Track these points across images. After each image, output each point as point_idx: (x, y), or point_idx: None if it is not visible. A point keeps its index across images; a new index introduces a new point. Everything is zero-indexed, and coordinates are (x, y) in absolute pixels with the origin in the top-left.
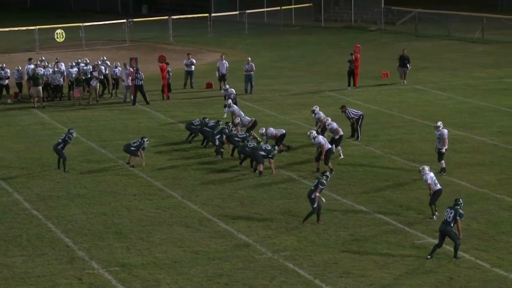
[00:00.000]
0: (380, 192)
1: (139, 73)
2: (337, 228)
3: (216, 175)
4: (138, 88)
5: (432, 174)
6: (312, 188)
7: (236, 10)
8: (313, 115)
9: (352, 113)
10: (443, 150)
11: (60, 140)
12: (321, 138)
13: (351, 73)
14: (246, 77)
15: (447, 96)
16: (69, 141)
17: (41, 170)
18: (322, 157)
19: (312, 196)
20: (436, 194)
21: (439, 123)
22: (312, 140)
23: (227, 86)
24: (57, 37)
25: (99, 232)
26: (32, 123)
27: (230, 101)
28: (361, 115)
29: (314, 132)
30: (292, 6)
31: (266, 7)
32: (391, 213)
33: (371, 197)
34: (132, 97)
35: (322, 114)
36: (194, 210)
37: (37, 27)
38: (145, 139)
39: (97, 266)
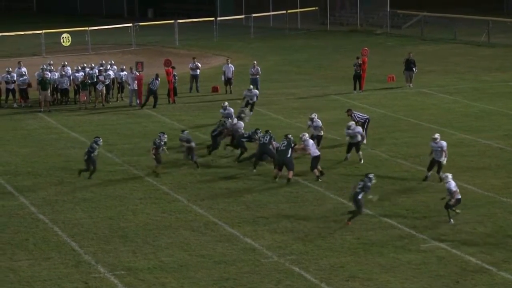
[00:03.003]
0: (386, 195)
1: (158, 79)
2: (343, 232)
3: (221, 179)
4: (153, 93)
5: (454, 182)
6: (358, 190)
7: (241, 14)
8: (311, 122)
9: (358, 117)
10: (444, 162)
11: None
12: (310, 143)
13: (357, 77)
14: (252, 81)
15: (453, 100)
16: (91, 150)
17: (47, 174)
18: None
19: (359, 198)
20: (457, 201)
21: (437, 135)
22: (303, 141)
23: (252, 87)
24: (63, 41)
25: (105, 236)
26: (38, 127)
27: (226, 103)
28: (367, 118)
29: (307, 135)
30: (298, 10)
31: (272, 11)
32: (397, 216)
33: (377, 201)
34: (138, 100)
35: (319, 123)
36: (200, 214)
37: (43, 31)
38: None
39: (103, 270)
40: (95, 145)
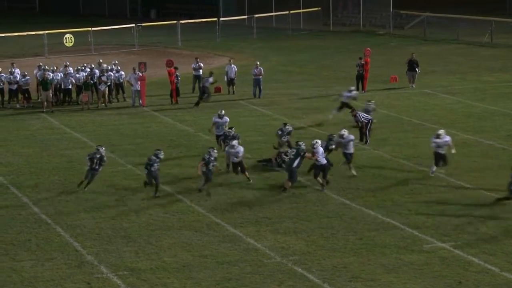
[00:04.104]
0: (389, 196)
1: (212, 76)
2: (345, 232)
3: (224, 179)
4: (204, 89)
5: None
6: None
7: (244, 15)
8: (341, 139)
9: (362, 117)
10: (453, 151)
11: (91, 162)
12: (320, 151)
13: (360, 77)
14: (254, 81)
15: (456, 100)
16: (150, 163)
17: (50, 174)
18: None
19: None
20: None
21: (441, 131)
22: (314, 148)
23: (353, 88)
24: (66, 42)
25: (107, 237)
26: (41, 127)
27: (223, 111)
28: (371, 119)
29: (319, 142)
30: (301, 10)
31: (275, 11)
32: (400, 217)
33: (380, 201)
34: (140, 101)
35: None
36: (202, 215)
37: (46, 31)
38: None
39: (105, 271)
40: (154, 158)
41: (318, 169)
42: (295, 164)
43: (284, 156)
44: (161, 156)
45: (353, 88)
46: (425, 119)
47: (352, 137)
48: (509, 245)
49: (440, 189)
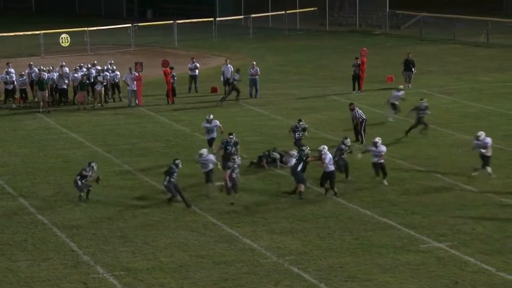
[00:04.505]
0: (385, 196)
1: (239, 73)
2: (342, 232)
3: (221, 180)
4: (233, 85)
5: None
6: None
7: (240, 15)
8: (374, 147)
9: (359, 114)
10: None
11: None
12: (328, 157)
13: (356, 77)
14: (251, 81)
15: (452, 100)
16: (85, 172)
17: (46, 174)
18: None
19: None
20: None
21: (480, 133)
22: (322, 154)
23: (401, 87)
24: (62, 42)
25: (104, 237)
26: (37, 127)
27: (211, 115)
28: (365, 119)
29: (327, 148)
30: (297, 10)
31: (271, 12)
32: (396, 217)
33: (376, 201)
34: (137, 101)
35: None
36: (199, 215)
37: (42, 31)
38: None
39: (102, 271)
40: (174, 167)
41: (326, 177)
42: (299, 168)
43: (274, 153)
44: (180, 165)
45: (401, 87)
46: None
47: (384, 148)
48: (506, 245)
49: (436, 189)
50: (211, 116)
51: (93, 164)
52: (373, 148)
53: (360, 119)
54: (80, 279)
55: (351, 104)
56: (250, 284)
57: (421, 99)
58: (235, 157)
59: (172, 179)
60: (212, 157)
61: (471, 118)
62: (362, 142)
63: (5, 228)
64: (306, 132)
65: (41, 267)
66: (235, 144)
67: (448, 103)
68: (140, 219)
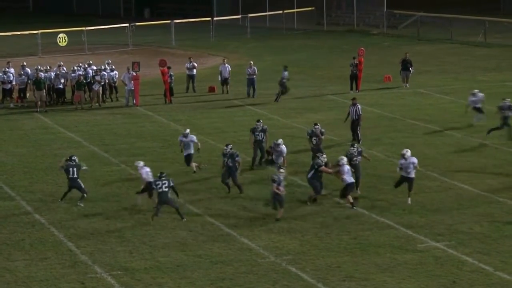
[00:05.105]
0: (382, 195)
1: (286, 71)
2: (339, 232)
3: (218, 179)
4: (282, 84)
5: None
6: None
7: (238, 14)
8: (404, 160)
9: (358, 109)
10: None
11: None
12: (346, 168)
13: (354, 77)
14: (248, 81)
15: (450, 100)
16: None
17: (44, 174)
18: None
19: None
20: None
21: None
22: (340, 165)
23: (476, 90)
24: (60, 41)
25: (101, 236)
26: (35, 127)
27: (188, 130)
28: (359, 115)
29: (345, 159)
30: (294, 10)
31: (269, 11)
32: (394, 216)
33: (374, 201)
34: (134, 100)
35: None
36: (196, 214)
37: (40, 31)
38: None
39: (99, 270)
40: (158, 180)
41: (349, 189)
42: (309, 175)
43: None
44: (164, 175)
45: (476, 90)
46: (419, 118)
47: (415, 159)
48: (503, 245)
49: (434, 188)
50: (187, 131)
51: (72, 157)
52: (402, 161)
53: (356, 117)
54: (77, 278)
55: (353, 99)
56: (248, 284)
57: (504, 99)
58: (281, 170)
59: (161, 190)
60: (194, 137)
61: (469, 117)
62: (359, 141)
63: (3, 228)
64: (323, 136)
65: (39, 266)
66: (263, 131)
67: (445, 103)
68: (137, 219)
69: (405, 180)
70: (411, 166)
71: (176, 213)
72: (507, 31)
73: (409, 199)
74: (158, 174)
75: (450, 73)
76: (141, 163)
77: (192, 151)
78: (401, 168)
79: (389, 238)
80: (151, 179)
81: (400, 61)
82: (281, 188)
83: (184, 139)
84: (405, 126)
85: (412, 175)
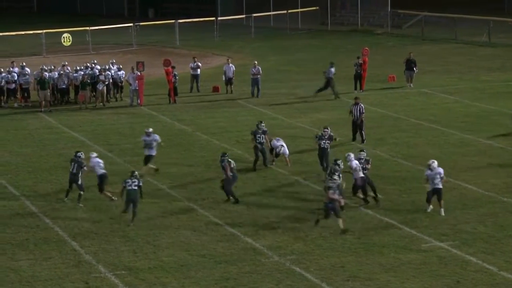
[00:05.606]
0: (386, 195)
1: (333, 67)
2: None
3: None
4: (328, 80)
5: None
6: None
7: (242, 14)
8: (430, 171)
9: (361, 108)
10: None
11: (73, 169)
12: (354, 163)
13: (358, 77)
14: (253, 81)
15: (454, 100)
16: (79, 164)
17: (48, 174)
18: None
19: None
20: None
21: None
22: (348, 162)
23: None
24: (64, 41)
25: (105, 236)
26: (39, 127)
27: (151, 129)
28: (360, 114)
29: (352, 155)
30: (299, 10)
31: (273, 11)
32: (398, 216)
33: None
34: (138, 100)
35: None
36: (200, 214)
37: (44, 31)
38: None
39: (103, 270)
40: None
41: (359, 184)
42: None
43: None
44: (135, 174)
45: None
46: (423, 118)
47: (441, 170)
48: (507, 245)
49: None
50: (150, 129)
51: (79, 154)
52: (428, 172)
53: (355, 118)
54: (81, 278)
55: (356, 98)
56: (252, 284)
57: None
58: (335, 177)
59: (130, 188)
60: (157, 137)
61: (473, 117)
62: (362, 141)
63: (7, 228)
64: (333, 140)
65: (43, 266)
66: (264, 132)
67: (449, 103)
68: (141, 219)
69: (434, 192)
70: (438, 177)
71: (132, 215)
72: (511, 31)
73: (442, 209)
74: (129, 173)
75: (454, 73)
76: (94, 154)
77: (154, 152)
78: (427, 180)
79: (393, 238)
80: (102, 171)
81: (404, 61)
82: (337, 195)
83: (146, 138)
84: (409, 126)
85: (440, 185)
